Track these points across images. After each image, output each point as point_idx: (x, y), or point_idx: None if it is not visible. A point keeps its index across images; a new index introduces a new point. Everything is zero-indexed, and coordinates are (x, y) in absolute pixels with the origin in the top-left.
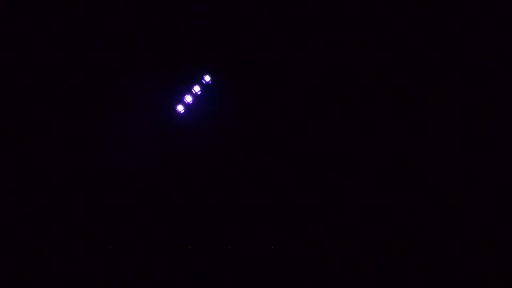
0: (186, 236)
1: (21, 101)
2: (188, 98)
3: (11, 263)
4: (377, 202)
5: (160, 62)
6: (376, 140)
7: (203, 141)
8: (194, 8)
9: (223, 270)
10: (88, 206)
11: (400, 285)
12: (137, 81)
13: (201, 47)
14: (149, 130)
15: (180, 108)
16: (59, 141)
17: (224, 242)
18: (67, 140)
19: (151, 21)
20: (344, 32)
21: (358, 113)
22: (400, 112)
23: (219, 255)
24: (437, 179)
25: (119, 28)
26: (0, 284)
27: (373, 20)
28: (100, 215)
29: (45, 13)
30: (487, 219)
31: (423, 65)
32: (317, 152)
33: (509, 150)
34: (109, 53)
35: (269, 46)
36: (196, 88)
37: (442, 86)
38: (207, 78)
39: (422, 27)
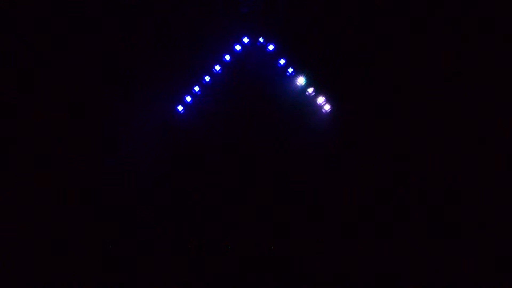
0: (186, 236)
1: (21, 101)
2: (188, 98)
3: (11, 263)
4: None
5: (160, 62)
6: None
7: (203, 141)
8: (195, 7)
9: (223, 270)
10: (88, 206)
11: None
12: (137, 81)
13: (202, 47)
14: (149, 130)
15: (180, 108)
16: (59, 141)
17: (224, 242)
18: (67, 140)
19: (152, 20)
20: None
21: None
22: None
23: (219, 255)
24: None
25: (119, 27)
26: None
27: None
28: (100, 215)
29: (44, 13)
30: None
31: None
32: (317, 152)
33: None
34: (109, 53)
35: (269, 46)
36: (196, 88)
37: None
38: (207, 78)
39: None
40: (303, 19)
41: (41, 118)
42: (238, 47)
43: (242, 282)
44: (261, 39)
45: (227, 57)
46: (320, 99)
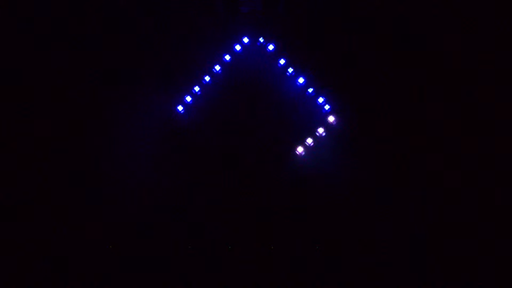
0: (186, 236)
1: (21, 101)
2: (188, 98)
3: (11, 263)
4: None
5: (160, 62)
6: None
7: (203, 141)
8: (195, 7)
9: (223, 270)
10: (88, 206)
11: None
12: (137, 81)
13: (202, 47)
14: (149, 130)
15: (180, 108)
16: (60, 141)
17: (224, 242)
18: (67, 140)
19: (152, 20)
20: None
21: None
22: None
23: (219, 255)
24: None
25: (119, 27)
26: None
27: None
28: (100, 215)
29: (45, 13)
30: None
31: None
32: (317, 152)
33: None
34: (110, 54)
35: (269, 46)
36: (196, 88)
37: None
38: (207, 78)
39: None
40: (303, 19)
41: (41, 118)
42: (238, 47)
43: (242, 282)
44: (261, 39)
45: (227, 57)
46: (320, 99)
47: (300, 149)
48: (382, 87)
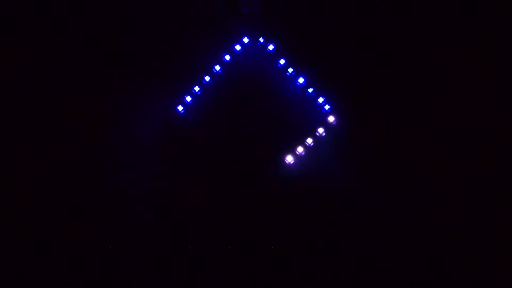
0: (186, 236)
1: (22, 102)
2: (188, 98)
3: (12, 263)
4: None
5: (160, 62)
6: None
7: (203, 141)
8: (195, 7)
9: (223, 270)
10: (88, 206)
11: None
12: (137, 81)
13: (202, 47)
14: (149, 130)
15: (180, 108)
16: (60, 141)
17: (224, 242)
18: (67, 140)
19: (152, 20)
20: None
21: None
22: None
23: (219, 255)
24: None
25: (119, 27)
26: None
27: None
28: (100, 215)
29: (45, 13)
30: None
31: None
32: (315, 153)
33: None
34: (109, 53)
35: (269, 46)
36: (196, 88)
37: None
38: (207, 78)
39: None
40: (303, 19)
41: (41, 119)
42: (238, 47)
43: (242, 282)
44: (261, 39)
45: (227, 57)
46: (320, 99)
47: (300, 149)
48: (382, 87)
